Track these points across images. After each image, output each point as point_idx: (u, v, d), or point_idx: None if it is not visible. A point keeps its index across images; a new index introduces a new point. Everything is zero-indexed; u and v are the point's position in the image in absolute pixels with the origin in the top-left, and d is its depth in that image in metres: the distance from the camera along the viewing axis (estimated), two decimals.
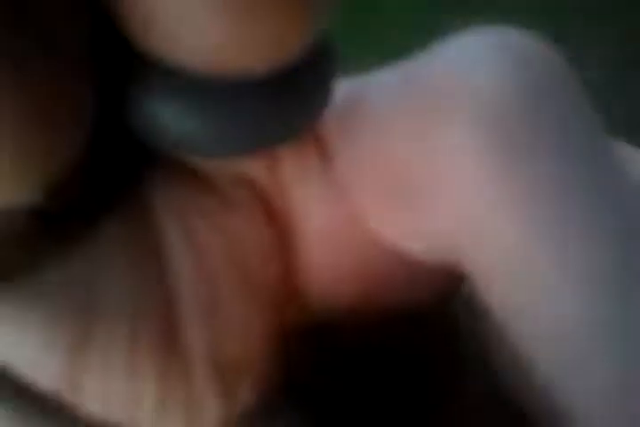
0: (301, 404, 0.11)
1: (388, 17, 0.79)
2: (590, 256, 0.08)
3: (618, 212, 0.09)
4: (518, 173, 0.09)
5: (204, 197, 0.10)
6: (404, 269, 0.10)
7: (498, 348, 0.10)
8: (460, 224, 0.09)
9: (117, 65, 0.08)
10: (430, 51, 0.10)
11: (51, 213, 0.09)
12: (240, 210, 0.10)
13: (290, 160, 0.10)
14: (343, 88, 0.10)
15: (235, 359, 0.10)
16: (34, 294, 0.09)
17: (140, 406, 0.10)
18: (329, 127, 0.10)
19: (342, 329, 0.11)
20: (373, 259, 0.10)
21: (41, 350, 0.09)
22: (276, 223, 0.11)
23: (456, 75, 0.09)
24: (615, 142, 0.10)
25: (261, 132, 0.08)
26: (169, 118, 0.08)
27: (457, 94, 0.09)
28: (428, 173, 0.09)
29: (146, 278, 0.10)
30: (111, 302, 0.10)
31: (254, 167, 0.10)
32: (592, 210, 0.09)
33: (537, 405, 0.09)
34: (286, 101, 0.08)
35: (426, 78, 0.09)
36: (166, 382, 0.10)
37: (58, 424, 0.09)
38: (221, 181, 0.11)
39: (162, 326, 0.10)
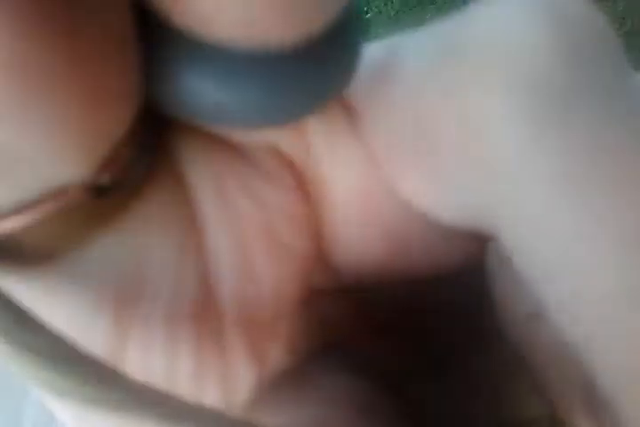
0: (340, 363, 0.11)
1: None
2: (631, 228, 0.08)
3: None
4: (555, 144, 0.08)
5: (239, 167, 0.11)
6: (431, 234, 0.11)
7: (517, 304, 0.10)
8: (493, 196, 0.09)
9: (151, 41, 0.08)
10: (463, 12, 0.09)
11: (101, 186, 0.09)
12: (272, 178, 0.11)
13: (318, 127, 0.10)
14: (372, 51, 0.10)
15: (266, 325, 0.11)
16: (86, 263, 0.10)
17: (178, 374, 0.10)
18: (357, 93, 0.10)
19: (370, 290, 0.11)
20: (401, 223, 0.10)
21: (89, 320, 0.10)
22: (307, 190, 0.11)
23: (490, 37, 0.09)
24: None
25: (293, 101, 0.09)
26: (208, 91, 0.08)
27: (491, 59, 0.09)
28: (460, 142, 0.09)
29: (185, 248, 0.10)
30: (153, 272, 0.10)
31: (284, 136, 0.10)
32: (635, 181, 0.08)
33: (549, 360, 0.10)
34: (317, 71, 0.09)
35: (458, 40, 0.09)
36: (201, 349, 0.10)
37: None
38: (253, 151, 0.11)
39: (199, 295, 0.10)
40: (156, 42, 0.08)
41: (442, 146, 0.09)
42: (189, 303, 0.10)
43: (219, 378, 0.10)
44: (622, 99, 0.08)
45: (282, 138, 0.11)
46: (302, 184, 0.11)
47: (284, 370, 0.11)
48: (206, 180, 0.10)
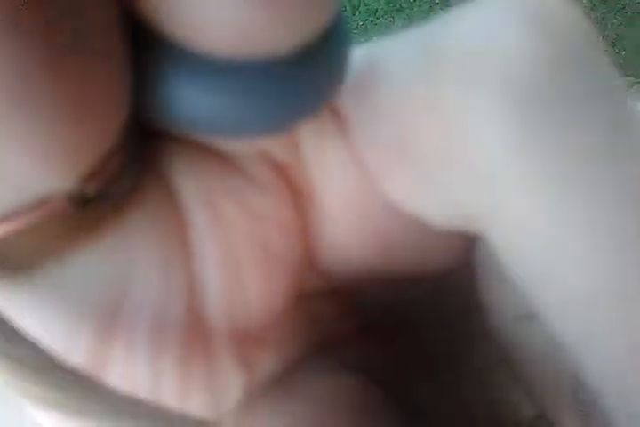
0: (332, 363, 0.11)
1: None
2: (613, 227, 0.08)
3: None
4: (539, 144, 0.08)
5: (228, 176, 0.11)
6: (422, 234, 0.11)
7: (505, 305, 0.10)
8: (478, 196, 0.09)
9: (139, 51, 0.08)
10: (449, 15, 0.09)
11: (85, 197, 0.09)
12: (262, 186, 0.11)
13: (308, 134, 0.10)
14: (359, 55, 0.10)
15: (255, 332, 0.11)
16: (67, 276, 0.09)
17: (163, 386, 0.10)
18: (345, 97, 0.10)
19: (361, 291, 0.11)
20: (391, 225, 0.11)
21: (70, 333, 0.09)
22: (296, 196, 0.11)
23: (475, 42, 0.09)
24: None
25: (283, 110, 0.09)
26: (198, 100, 0.08)
27: (474, 61, 0.09)
28: (444, 143, 0.09)
29: (172, 257, 0.10)
30: (137, 285, 0.10)
31: (274, 144, 0.11)
32: (616, 181, 0.08)
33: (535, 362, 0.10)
34: (306, 80, 0.09)
35: (442, 42, 0.09)
36: (187, 360, 0.10)
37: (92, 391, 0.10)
38: (243, 160, 0.11)
39: (185, 307, 0.10)
40: (145, 52, 0.08)
41: (426, 147, 0.09)
42: (175, 315, 0.10)
43: (205, 388, 0.10)
44: (606, 99, 0.09)
45: (270, 144, 0.11)
46: (292, 189, 0.11)
47: (275, 373, 0.11)
48: (194, 190, 0.10)
